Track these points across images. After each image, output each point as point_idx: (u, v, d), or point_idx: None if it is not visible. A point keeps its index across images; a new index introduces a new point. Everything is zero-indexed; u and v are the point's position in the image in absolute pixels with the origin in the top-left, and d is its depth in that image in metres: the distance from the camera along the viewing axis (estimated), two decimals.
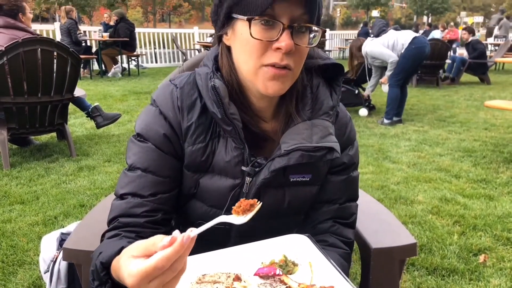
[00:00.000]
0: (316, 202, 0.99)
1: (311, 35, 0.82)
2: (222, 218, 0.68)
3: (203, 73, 0.89)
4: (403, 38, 5.20)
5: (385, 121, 5.50)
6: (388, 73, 5.37)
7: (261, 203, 0.72)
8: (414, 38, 5.13)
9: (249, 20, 0.77)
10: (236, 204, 0.71)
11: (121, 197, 0.88)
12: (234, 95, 0.88)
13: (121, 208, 0.87)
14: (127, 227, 0.86)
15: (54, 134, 4.46)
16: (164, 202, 0.89)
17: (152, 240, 0.60)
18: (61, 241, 1.33)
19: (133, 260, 0.61)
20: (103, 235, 0.89)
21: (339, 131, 0.95)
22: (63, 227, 1.71)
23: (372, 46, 5.34)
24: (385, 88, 5.51)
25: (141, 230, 0.86)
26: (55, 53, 3.50)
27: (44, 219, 2.66)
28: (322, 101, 0.92)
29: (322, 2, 0.82)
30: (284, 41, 0.77)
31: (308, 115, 0.90)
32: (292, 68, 0.81)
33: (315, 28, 0.81)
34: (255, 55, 0.80)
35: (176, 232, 0.59)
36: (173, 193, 0.91)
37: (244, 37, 0.80)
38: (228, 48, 0.88)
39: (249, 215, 0.70)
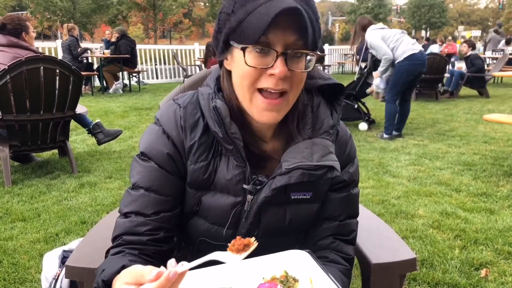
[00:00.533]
0: (316, 219, 1.00)
1: (308, 58, 0.83)
2: (217, 255, 0.69)
3: (206, 93, 0.91)
4: (404, 47, 5.13)
5: (385, 135, 5.51)
6: (380, 68, 5.37)
7: (257, 243, 0.72)
8: (412, 54, 5.06)
9: (243, 49, 0.80)
10: (231, 242, 0.72)
11: (125, 215, 0.90)
12: (234, 116, 0.90)
13: (124, 226, 0.89)
14: (131, 244, 0.88)
15: (55, 150, 4.47)
16: (166, 221, 0.91)
17: (142, 271, 0.63)
18: (63, 259, 1.34)
19: (125, 287, 0.65)
20: (107, 251, 0.91)
21: (339, 149, 0.97)
22: (65, 244, 1.72)
23: (373, 38, 5.28)
24: (376, 81, 5.53)
25: (144, 248, 0.88)
26: (57, 71, 3.54)
27: (46, 236, 2.67)
28: (322, 120, 0.93)
29: (318, 26, 0.83)
30: (278, 67, 0.79)
31: (308, 134, 0.92)
32: (288, 93, 0.83)
33: (310, 53, 0.82)
34: (250, 81, 0.82)
35: (171, 262, 0.62)
36: (176, 211, 0.93)
37: (240, 64, 0.82)
38: (229, 72, 0.90)
39: (244, 255, 0.71)
